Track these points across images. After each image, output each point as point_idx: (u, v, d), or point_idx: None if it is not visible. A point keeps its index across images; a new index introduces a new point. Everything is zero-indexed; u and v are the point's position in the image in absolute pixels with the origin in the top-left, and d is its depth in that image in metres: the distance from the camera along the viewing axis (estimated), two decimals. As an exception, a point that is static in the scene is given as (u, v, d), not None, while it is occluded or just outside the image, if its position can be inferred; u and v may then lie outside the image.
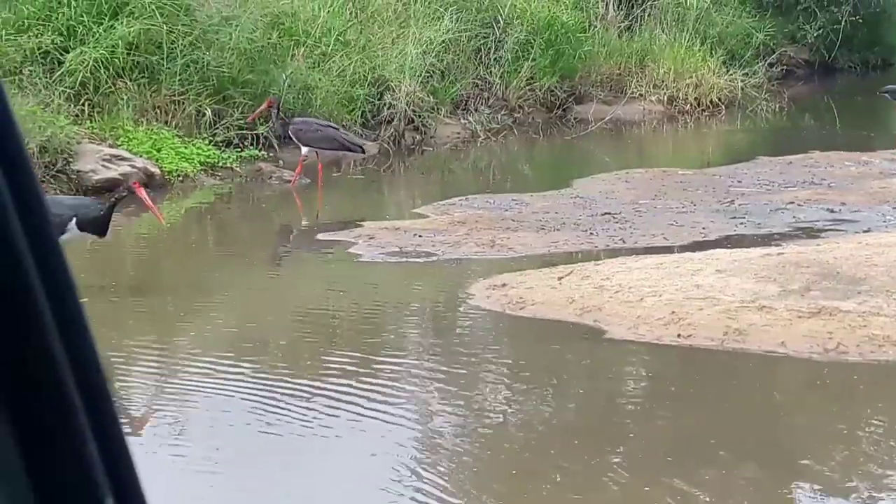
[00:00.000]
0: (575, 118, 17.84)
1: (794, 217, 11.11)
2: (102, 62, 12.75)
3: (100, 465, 0.96)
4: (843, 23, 24.23)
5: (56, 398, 0.94)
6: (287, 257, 10.28)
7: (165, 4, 13.33)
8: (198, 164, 12.76)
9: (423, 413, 6.38)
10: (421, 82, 15.54)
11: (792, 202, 11.71)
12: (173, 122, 13.20)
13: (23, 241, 0.92)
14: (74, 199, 9.35)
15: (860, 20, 24.44)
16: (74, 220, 8.02)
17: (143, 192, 8.44)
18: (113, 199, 8.26)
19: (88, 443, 0.95)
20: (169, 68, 13.25)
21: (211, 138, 12.97)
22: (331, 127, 12.80)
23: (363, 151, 13.33)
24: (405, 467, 5.58)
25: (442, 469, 5.64)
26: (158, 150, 12.65)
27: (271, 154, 13.71)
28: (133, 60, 13.05)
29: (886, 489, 5.41)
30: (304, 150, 12.46)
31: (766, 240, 9.95)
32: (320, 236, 10.53)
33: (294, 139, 12.56)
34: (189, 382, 6.70)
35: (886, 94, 18.53)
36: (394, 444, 5.81)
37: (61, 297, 0.95)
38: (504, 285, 8.57)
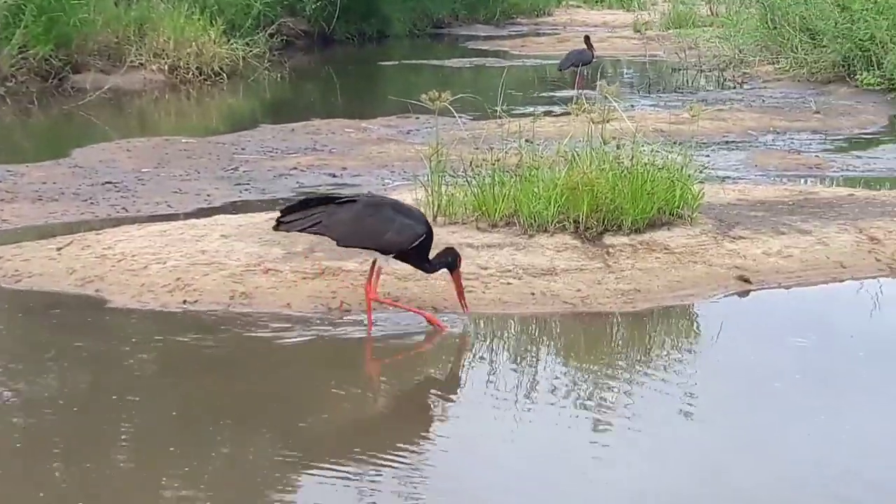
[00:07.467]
0: (73, 87, 17.24)
1: (297, 182, 11.23)
2: None
3: None
4: (340, -5, 24.80)
5: None
6: None
7: None
8: None
9: None
10: None
11: (295, 168, 11.83)
12: None
13: None
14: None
15: (357, -7, 25.11)
16: (422, 239, 6.78)
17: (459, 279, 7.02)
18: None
19: None
20: None
21: None
22: None
23: None
24: None
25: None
26: None
27: None
28: None
29: (362, 459, 5.52)
30: None
31: (270, 205, 9.98)
32: None
33: None
34: None
35: (573, 67, 18.73)
36: None
37: None
38: (-1, 258, 8.13)
